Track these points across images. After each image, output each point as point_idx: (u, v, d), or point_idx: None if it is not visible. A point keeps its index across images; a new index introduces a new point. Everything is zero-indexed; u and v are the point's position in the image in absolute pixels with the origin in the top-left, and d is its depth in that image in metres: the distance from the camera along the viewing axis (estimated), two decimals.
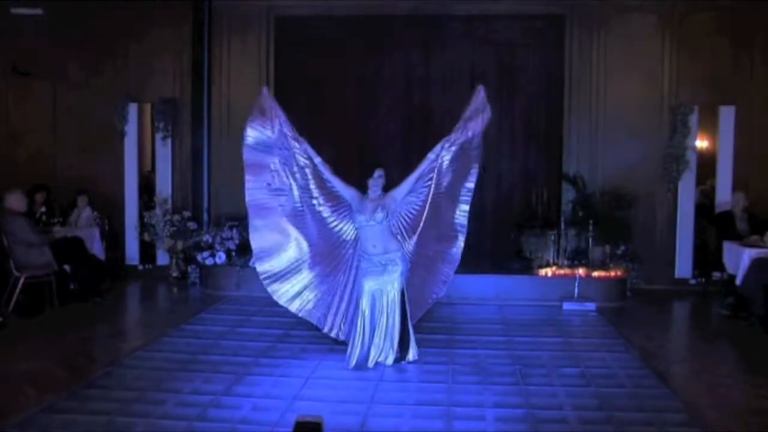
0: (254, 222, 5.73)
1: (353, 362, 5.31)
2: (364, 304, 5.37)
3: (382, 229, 5.39)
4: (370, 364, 5.31)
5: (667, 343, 6.79)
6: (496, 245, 9.13)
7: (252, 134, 5.64)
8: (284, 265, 5.73)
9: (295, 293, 5.77)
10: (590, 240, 8.47)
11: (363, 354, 5.32)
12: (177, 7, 9.41)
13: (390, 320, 5.35)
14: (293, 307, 5.79)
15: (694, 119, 8.85)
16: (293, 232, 5.70)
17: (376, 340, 5.34)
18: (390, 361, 5.35)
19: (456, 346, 5.95)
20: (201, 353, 5.64)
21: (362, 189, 5.57)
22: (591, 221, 8.42)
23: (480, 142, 5.69)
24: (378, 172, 5.51)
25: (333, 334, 5.77)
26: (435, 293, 5.95)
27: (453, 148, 5.60)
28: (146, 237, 9.24)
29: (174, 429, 4.08)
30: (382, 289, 5.35)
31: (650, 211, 8.95)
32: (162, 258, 9.43)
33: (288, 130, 5.62)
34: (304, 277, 5.75)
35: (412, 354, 5.45)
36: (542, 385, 4.93)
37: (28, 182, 8.46)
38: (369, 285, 5.36)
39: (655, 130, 8.97)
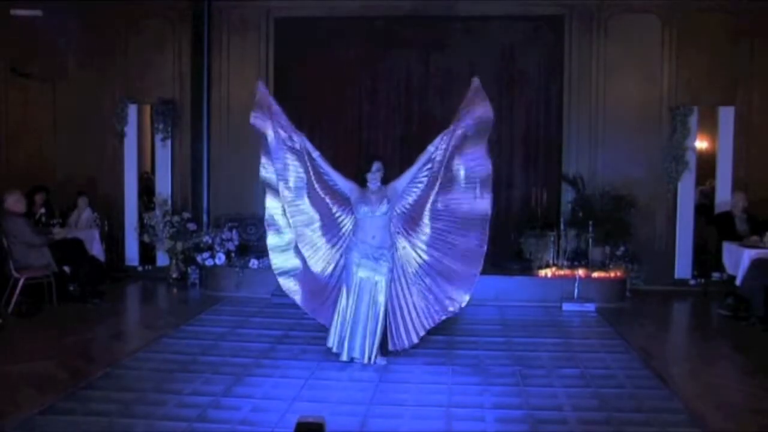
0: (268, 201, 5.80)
1: (333, 346, 5.42)
2: (353, 293, 5.39)
3: (384, 222, 5.44)
4: (356, 354, 5.35)
5: (667, 343, 6.80)
6: (496, 246, 9.07)
7: (255, 125, 5.71)
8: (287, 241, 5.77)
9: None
10: (590, 241, 8.48)
11: (342, 340, 5.38)
12: (176, 8, 9.43)
13: (374, 315, 5.39)
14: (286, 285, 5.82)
15: (693, 120, 8.86)
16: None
17: (359, 331, 5.37)
18: (368, 358, 5.36)
19: (456, 347, 5.96)
20: (201, 354, 5.64)
21: (361, 184, 5.57)
22: (590, 222, 8.42)
23: (479, 130, 5.55)
24: (376, 165, 5.51)
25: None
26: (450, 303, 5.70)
27: (449, 145, 5.54)
28: (146, 238, 9.24)
29: (174, 430, 4.07)
30: (371, 280, 5.39)
31: (650, 212, 8.96)
32: (162, 259, 9.44)
33: (285, 125, 5.60)
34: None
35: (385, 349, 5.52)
36: (542, 386, 4.93)
37: (27, 183, 8.47)
38: (359, 273, 5.39)
39: (654, 131, 8.98)
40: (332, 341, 5.50)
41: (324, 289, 5.73)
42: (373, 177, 5.49)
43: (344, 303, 5.46)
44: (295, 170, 5.60)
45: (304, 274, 5.76)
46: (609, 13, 9.05)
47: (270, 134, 5.59)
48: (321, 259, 5.69)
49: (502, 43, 9.39)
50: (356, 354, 5.39)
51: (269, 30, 9.52)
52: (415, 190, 5.64)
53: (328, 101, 9.60)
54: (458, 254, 5.60)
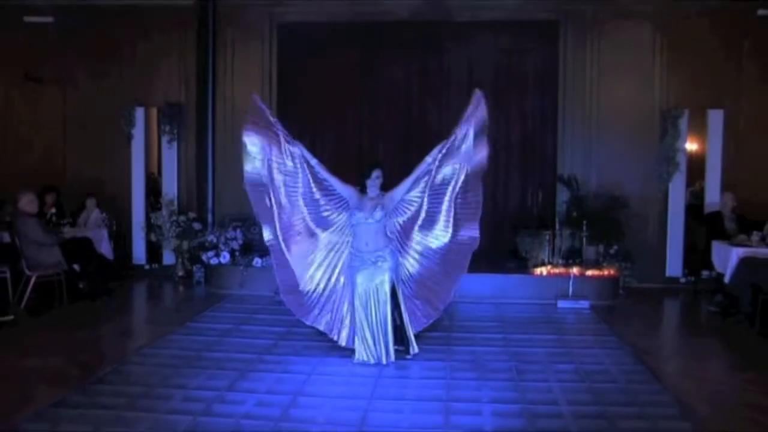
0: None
1: (357, 356, 5.34)
2: (357, 302, 5.37)
3: (377, 228, 5.40)
4: (372, 359, 5.32)
5: (659, 339, 6.81)
6: (493, 245, 9.11)
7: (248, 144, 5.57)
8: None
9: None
10: (584, 240, 8.48)
11: (364, 349, 5.33)
12: (182, 14, 9.42)
13: (382, 316, 5.35)
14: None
15: (684, 122, 8.86)
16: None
17: (372, 336, 5.34)
18: (384, 359, 5.32)
19: (454, 344, 5.95)
20: (206, 350, 5.64)
21: (361, 190, 5.55)
22: (585, 221, 8.43)
23: (472, 140, 5.52)
24: (376, 173, 5.48)
25: (334, 337, 5.67)
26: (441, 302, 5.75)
27: (448, 152, 5.54)
28: (153, 237, 9.25)
29: (179, 423, 4.07)
30: (373, 286, 5.35)
31: (642, 212, 8.95)
32: (168, 258, 9.43)
33: (281, 135, 5.54)
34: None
35: (411, 349, 5.45)
36: (538, 381, 4.93)
37: (38, 184, 8.47)
38: (360, 283, 5.36)
39: (646, 133, 8.99)
40: (357, 354, 5.38)
41: (307, 287, 5.65)
42: (373, 184, 5.46)
43: (358, 317, 5.38)
44: (288, 184, 5.55)
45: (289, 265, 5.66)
46: (603, 19, 9.06)
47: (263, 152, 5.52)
48: (313, 263, 5.63)
49: (498, 48, 9.41)
50: (383, 360, 5.33)
51: (273, 34, 9.51)
52: (413, 200, 5.62)
53: (330, 105, 9.60)
54: (444, 264, 5.64)
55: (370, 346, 5.34)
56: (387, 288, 5.38)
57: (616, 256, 8.32)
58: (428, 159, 5.55)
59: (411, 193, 5.61)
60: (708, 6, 8.85)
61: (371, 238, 5.38)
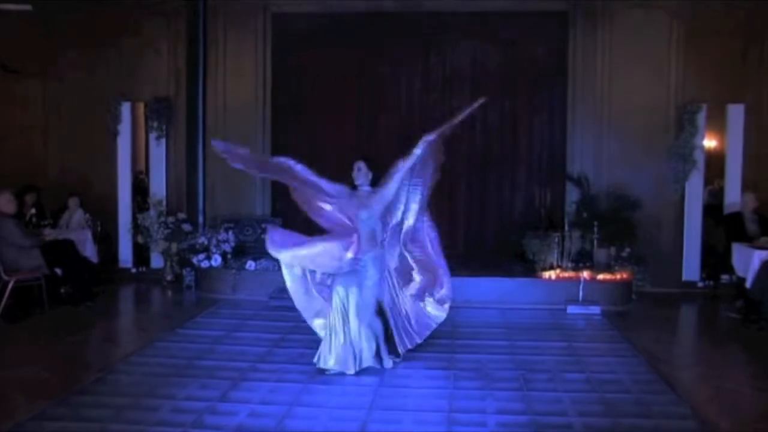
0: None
1: (330, 362, 5.29)
2: (337, 301, 5.31)
3: (379, 226, 5.44)
4: (351, 366, 5.27)
5: (674, 347, 6.80)
6: (499, 247, 9.15)
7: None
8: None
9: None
10: (595, 242, 8.49)
11: (339, 353, 5.29)
12: (172, 3, 9.43)
13: (365, 317, 5.35)
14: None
15: (701, 118, 8.86)
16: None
17: (352, 338, 5.30)
18: (369, 360, 5.32)
19: (457, 351, 5.95)
20: (196, 358, 5.64)
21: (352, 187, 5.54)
22: (595, 222, 8.43)
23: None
24: (357, 165, 5.45)
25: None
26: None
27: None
28: (140, 239, 9.26)
29: None
30: (358, 286, 5.32)
31: (656, 212, 8.96)
32: (156, 261, 9.45)
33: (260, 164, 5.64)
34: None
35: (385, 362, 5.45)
36: (546, 391, 4.94)
37: (18, 183, 8.47)
38: (344, 281, 5.32)
39: (661, 129, 8.99)
40: (330, 359, 5.31)
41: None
42: (357, 176, 5.44)
43: (334, 314, 5.33)
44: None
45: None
46: (614, 9, 9.06)
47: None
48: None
49: (505, 40, 9.41)
50: (363, 362, 5.34)
51: (266, 25, 9.52)
52: (412, 198, 5.68)
53: (327, 97, 9.60)
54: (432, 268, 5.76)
55: (344, 350, 5.28)
56: (373, 289, 5.38)
57: (629, 258, 8.33)
58: (417, 152, 5.53)
59: (408, 190, 5.67)
60: None
61: (373, 238, 5.40)
